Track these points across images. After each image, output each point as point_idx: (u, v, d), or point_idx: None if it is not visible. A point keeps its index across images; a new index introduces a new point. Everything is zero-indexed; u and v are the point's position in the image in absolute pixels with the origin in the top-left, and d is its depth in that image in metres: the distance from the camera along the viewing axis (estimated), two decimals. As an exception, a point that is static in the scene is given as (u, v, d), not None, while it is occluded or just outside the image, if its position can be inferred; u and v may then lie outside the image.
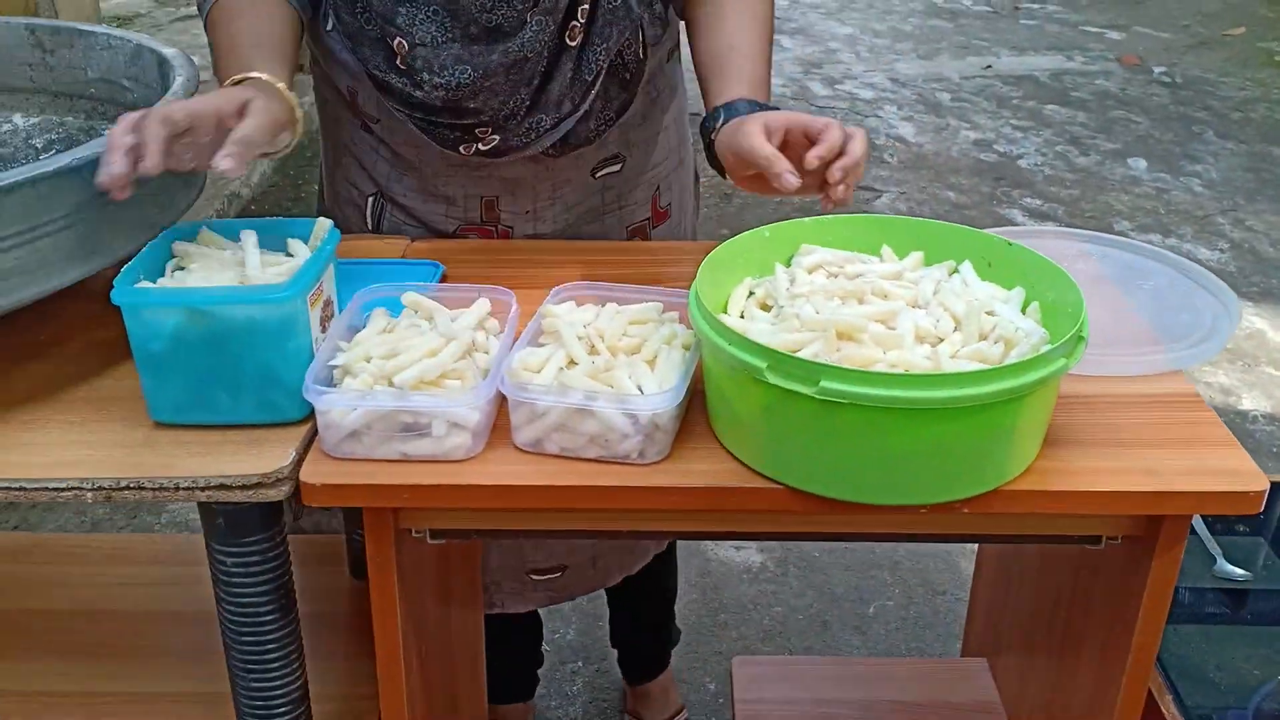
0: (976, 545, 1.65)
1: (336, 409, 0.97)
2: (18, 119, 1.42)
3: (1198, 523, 1.50)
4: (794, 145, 1.10)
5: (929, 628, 2.26)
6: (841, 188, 1.08)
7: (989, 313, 1.01)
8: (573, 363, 1.02)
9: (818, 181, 1.09)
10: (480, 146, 1.30)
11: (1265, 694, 1.30)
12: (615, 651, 2.03)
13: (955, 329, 1.00)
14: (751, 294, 1.08)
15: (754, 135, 1.10)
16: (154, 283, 1.01)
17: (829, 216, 1.14)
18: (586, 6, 1.24)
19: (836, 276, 1.07)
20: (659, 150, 1.46)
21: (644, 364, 1.02)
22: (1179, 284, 1.26)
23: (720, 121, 1.18)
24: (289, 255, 1.07)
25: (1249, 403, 2.98)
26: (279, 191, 4.28)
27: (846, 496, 0.95)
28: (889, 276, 1.07)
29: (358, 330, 1.07)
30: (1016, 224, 4.09)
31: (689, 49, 1.33)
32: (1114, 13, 6.71)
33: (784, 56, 5.89)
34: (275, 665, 1.07)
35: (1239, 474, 0.98)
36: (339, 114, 1.43)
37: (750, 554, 2.44)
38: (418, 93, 1.25)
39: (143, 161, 0.97)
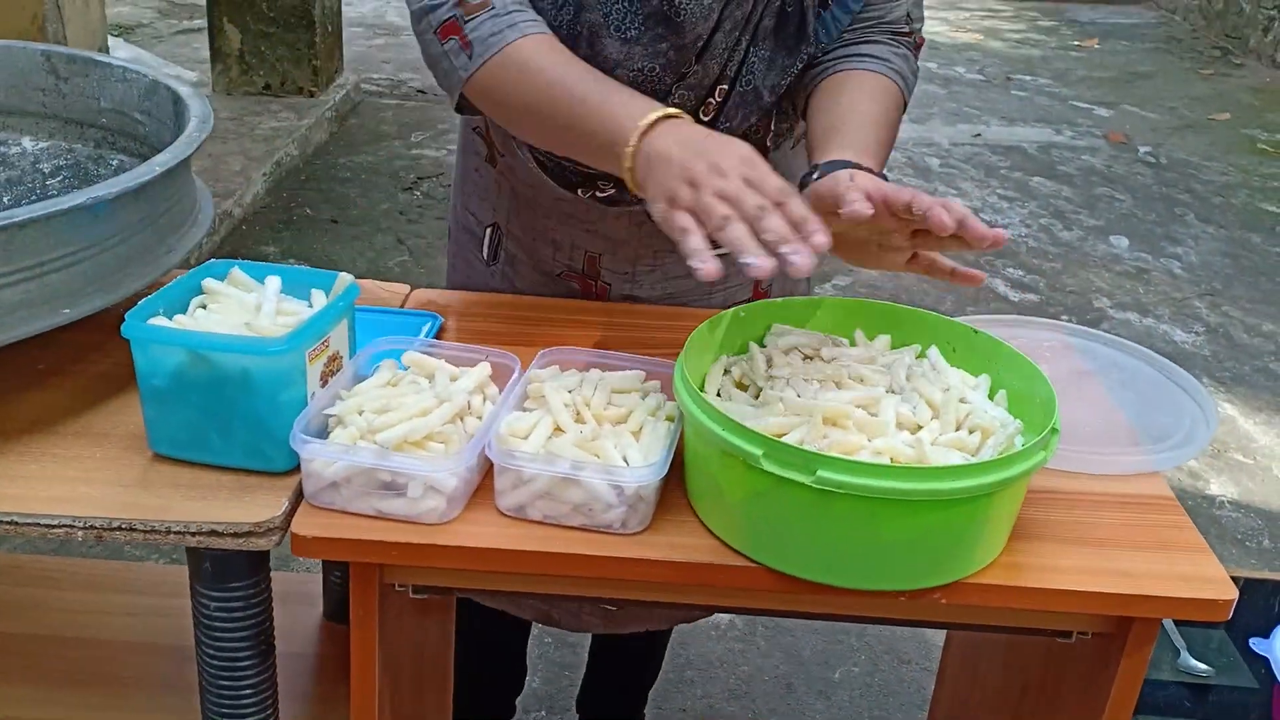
0: (945, 621, 1.67)
1: (319, 459, 0.98)
2: (27, 142, 1.44)
3: (1164, 614, 1.52)
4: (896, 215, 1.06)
5: (893, 695, 2.27)
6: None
7: (961, 400, 1.04)
8: (559, 430, 1.04)
9: (925, 256, 1.08)
10: (597, 194, 1.32)
11: (1222, 790, 1.32)
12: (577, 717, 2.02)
13: (932, 416, 1.02)
14: (728, 372, 1.11)
15: (841, 181, 1.07)
16: (171, 318, 1.03)
17: (799, 298, 1.18)
18: (725, 87, 1.27)
19: (812, 359, 1.10)
20: None
21: (630, 435, 1.04)
22: (1162, 386, 1.29)
23: (815, 176, 1.12)
24: (310, 306, 1.08)
25: (1216, 488, 3.02)
26: (271, 213, 4.29)
27: (828, 581, 0.97)
28: (863, 360, 1.10)
29: (362, 379, 1.08)
30: (998, 294, 4.15)
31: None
32: (1103, 90, 6.83)
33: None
34: (250, 709, 1.08)
35: (1211, 581, 1.00)
36: (472, 143, 1.46)
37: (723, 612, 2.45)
38: None
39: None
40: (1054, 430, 0.97)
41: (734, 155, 1.02)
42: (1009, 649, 1.37)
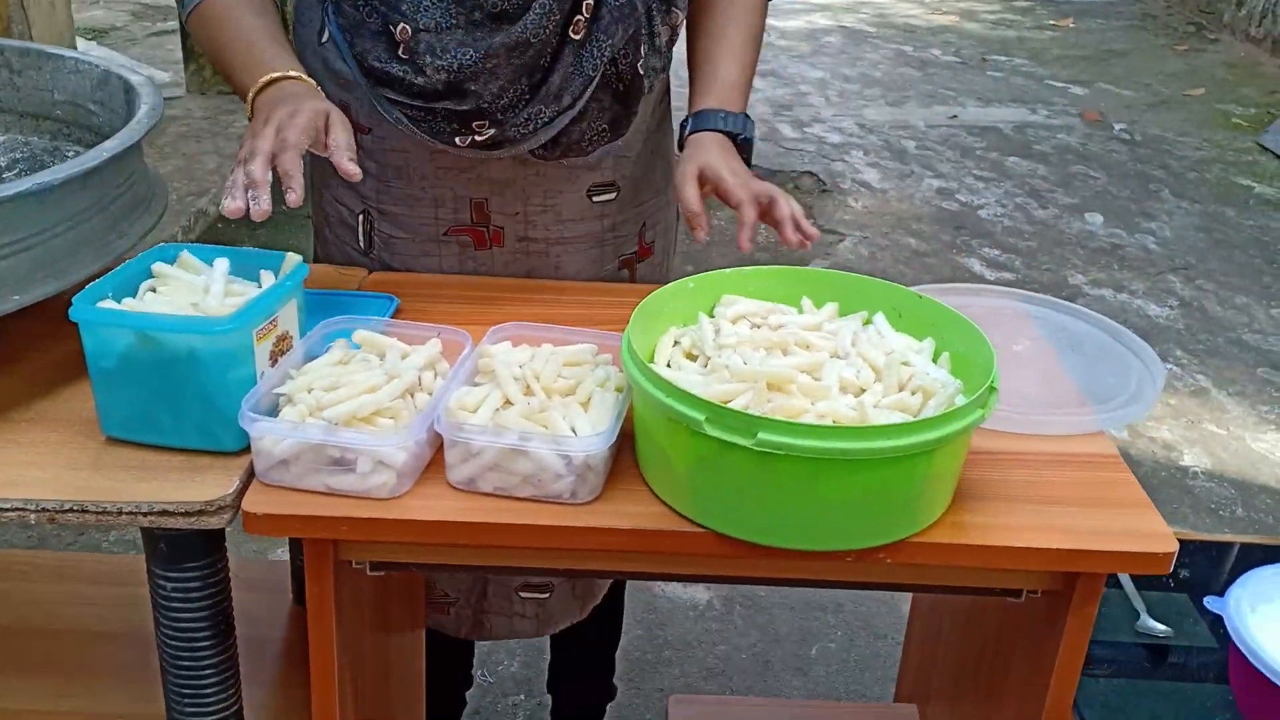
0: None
1: (268, 437, 0.99)
2: (-18, 137, 1.44)
3: (1124, 578, 1.54)
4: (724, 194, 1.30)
5: (869, 670, 2.29)
6: (796, 237, 1.26)
7: (904, 363, 1.05)
8: (508, 403, 1.05)
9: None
10: (476, 138, 1.33)
11: (1181, 747, 1.34)
12: (551, 698, 2.04)
13: (876, 379, 1.04)
14: (677, 343, 1.12)
15: (686, 183, 1.29)
16: (120, 302, 1.03)
17: (749, 269, 1.19)
18: (591, 2, 1.29)
19: (760, 327, 1.11)
20: (648, 187, 1.51)
21: (578, 406, 1.05)
22: (1109, 347, 1.30)
23: (686, 131, 1.37)
24: (260, 287, 1.09)
25: (1190, 459, 3.04)
26: (246, 210, 4.29)
27: (774, 543, 0.99)
28: (810, 328, 1.11)
29: (315, 359, 1.09)
30: (974, 273, 4.17)
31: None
32: (1079, 68, 6.86)
33: (755, 97, 5.95)
34: (211, 691, 1.09)
35: (1152, 535, 1.02)
36: None
37: (696, 591, 2.47)
38: (419, 79, 1.29)
39: (257, 206, 1.10)
40: (992, 389, 0.99)
41: (291, 110, 1.16)
42: (968, 616, 1.39)
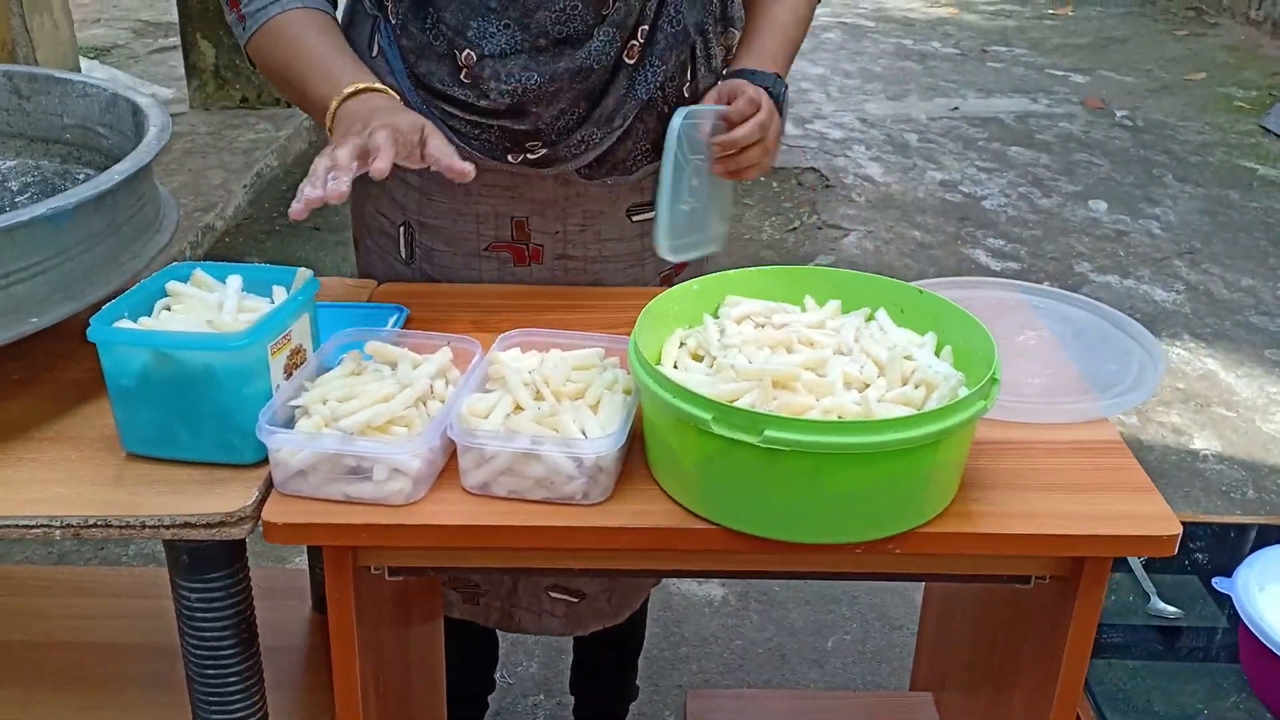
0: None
1: (286, 448, 1.01)
2: (-6, 162, 1.47)
3: (1134, 562, 1.56)
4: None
5: (885, 661, 2.30)
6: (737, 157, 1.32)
7: (907, 357, 1.07)
8: (519, 408, 1.07)
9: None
10: (529, 156, 1.37)
11: (1194, 728, 1.36)
12: (573, 699, 2.05)
13: (879, 374, 1.06)
14: (683, 344, 1.14)
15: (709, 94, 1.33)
16: (136, 321, 1.06)
17: (752, 269, 1.21)
18: (646, 27, 1.33)
19: (764, 326, 1.13)
20: None
21: (587, 408, 1.07)
22: (1110, 335, 1.32)
23: (725, 75, 1.41)
24: (273, 302, 1.11)
25: (1200, 442, 3.05)
26: (253, 223, 4.32)
27: (784, 537, 1.00)
28: (813, 325, 1.13)
29: (328, 371, 1.11)
30: (979, 264, 4.18)
31: None
32: (1079, 56, 6.86)
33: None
34: (236, 698, 1.11)
35: (1155, 519, 1.03)
36: None
37: (711, 588, 2.49)
38: (482, 101, 1.32)
39: (335, 186, 1.11)
40: (994, 380, 1.00)
41: (384, 121, 1.16)
42: (979, 603, 1.40)
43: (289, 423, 1.05)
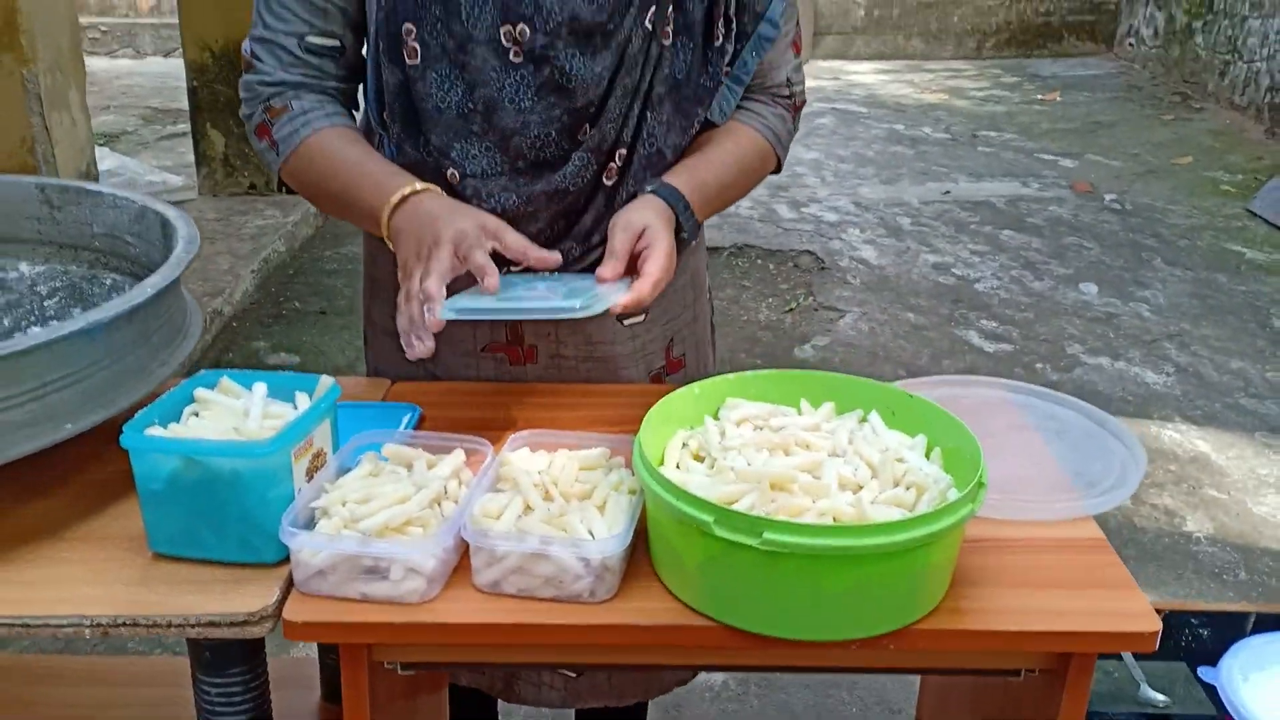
0: (921, 670, 1.74)
1: (307, 549, 1.06)
2: (24, 267, 1.53)
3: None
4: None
5: (884, 747, 2.33)
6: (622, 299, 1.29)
7: (899, 460, 1.13)
8: (529, 508, 1.12)
9: None
10: (511, 268, 1.42)
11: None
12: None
13: (872, 475, 1.11)
14: (685, 445, 1.19)
15: (627, 230, 1.31)
16: (166, 427, 1.11)
17: (749, 373, 1.27)
18: (624, 150, 1.40)
19: (762, 429, 1.19)
20: (677, 303, 1.59)
21: (594, 509, 1.12)
22: (1094, 433, 1.37)
23: (651, 189, 1.38)
24: (295, 408, 1.17)
25: (1192, 524, 3.10)
26: (260, 308, 4.39)
27: (783, 634, 1.05)
28: (809, 428, 1.18)
29: (347, 472, 1.16)
30: (973, 346, 4.25)
31: None
32: (1067, 141, 7.01)
33: (752, 180, 6.12)
34: (252, 789, 1.15)
35: (1136, 615, 1.08)
36: (378, 250, 1.55)
37: (713, 673, 2.51)
38: None
39: (422, 345, 1.23)
40: (980, 483, 1.06)
41: (435, 238, 1.24)
42: (974, 692, 1.44)
43: (309, 523, 1.10)
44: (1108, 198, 5.92)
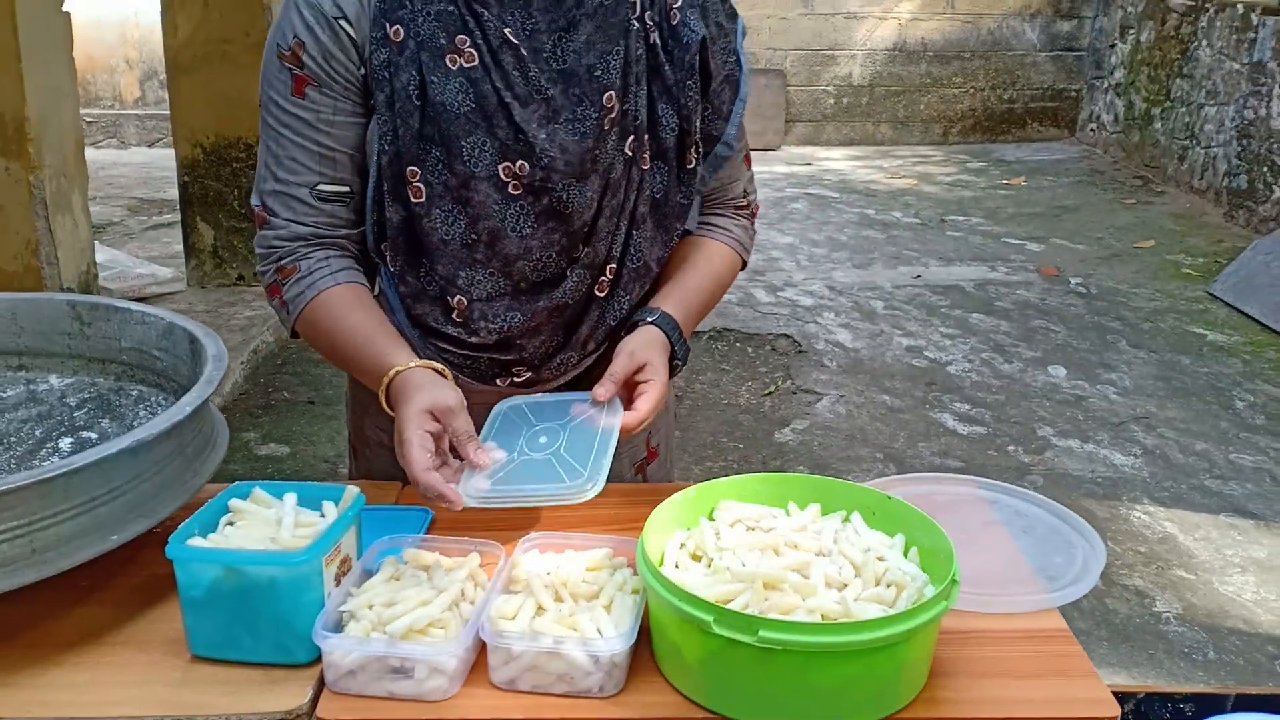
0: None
1: (338, 651, 1.15)
2: (54, 379, 1.63)
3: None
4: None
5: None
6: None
7: (879, 558, 1.23)
8: (541, 609, 1.22)
9: None
10: (515, 380, 1.56)
11: None
12: None
13: (855, 574, 1.22)
14: (683, 545, 1.30)
15: (628, 363, 1.46)
16: (205, 537, 1.21)
17: (740, 478, 1.39)
18: (614, 265, 1.53)
19: (754, 530, 1.29)
20: None
21: (602, 609, 1.22)
22: (1057, 529, 1.49)
23: (648, 318, 1.54)
24: (322, 515, 1.26)
25: (1162, 605, 3.20)
26: (250, 399, 4.48)
27: (776, 724, 1.15)
28: (797, 529, 1.29)
29: (370, 575, 1.26)
30: (947, 428, 4.38)
31: None
32: (1033, 225, 7.23)
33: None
34: None
35: (1097, 702, 1.18)
36: None
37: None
38: (473, 338, 1.52)
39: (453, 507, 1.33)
40: (954, 581, 1.16)
41: (410, 425, 1.37)
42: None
43: (338, 625, 1.19)
44: (1073, 281, 6.11)
